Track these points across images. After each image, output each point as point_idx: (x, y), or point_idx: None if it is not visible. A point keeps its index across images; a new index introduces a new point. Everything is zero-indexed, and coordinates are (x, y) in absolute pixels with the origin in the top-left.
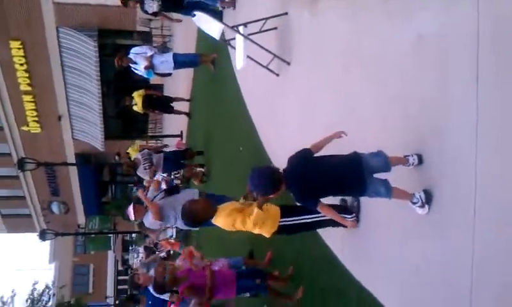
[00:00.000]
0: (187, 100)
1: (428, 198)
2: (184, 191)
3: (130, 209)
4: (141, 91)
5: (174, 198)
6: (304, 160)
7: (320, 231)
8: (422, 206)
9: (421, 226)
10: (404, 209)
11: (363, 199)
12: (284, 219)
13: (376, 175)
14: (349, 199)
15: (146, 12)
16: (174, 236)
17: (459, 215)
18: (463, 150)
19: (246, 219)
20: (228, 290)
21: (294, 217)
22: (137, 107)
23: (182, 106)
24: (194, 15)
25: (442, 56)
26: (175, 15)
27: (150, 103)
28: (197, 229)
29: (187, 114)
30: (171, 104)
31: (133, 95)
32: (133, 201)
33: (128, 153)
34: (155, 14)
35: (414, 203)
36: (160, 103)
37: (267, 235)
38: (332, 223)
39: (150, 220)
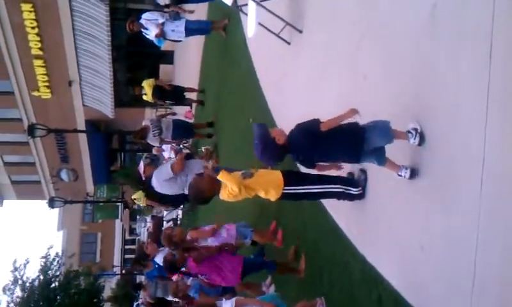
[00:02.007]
0: (200, 91)
1: (413, 174)
2: (195, 160)
3: (141, 165)
4: (151, 81)
5: (188, 163)
6: (310, 135)
7: (326, 204)
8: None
9: (427, 202)
10: (411, 185)
11: (370, 174)
12: (288, 188)
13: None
14: (356, 172)
15: (157, 4)
16: (181, 206)
17: (465, 190)
18: (473, 127)
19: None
20: (233, 276)
21: (297, 186)
22: (147, 97)
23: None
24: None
25: (456, 27)
26: (186, 6)
27: (161, 94)
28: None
29: (201, 102)
30: (184, 94)
31: (143, 85)
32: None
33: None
34: (167, 6)
35: (399, 176)
36: (171, 93)
37: (273, 198)
38: (337, 195)
39: (154, 183)
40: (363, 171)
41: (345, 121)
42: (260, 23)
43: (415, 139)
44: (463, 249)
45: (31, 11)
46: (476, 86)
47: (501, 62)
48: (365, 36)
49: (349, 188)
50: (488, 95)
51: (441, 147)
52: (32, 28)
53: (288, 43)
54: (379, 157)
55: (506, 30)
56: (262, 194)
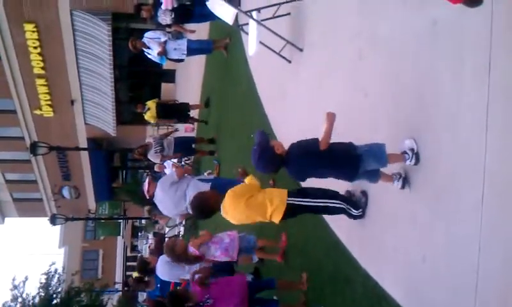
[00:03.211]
0: (204, 106)
1: (404, 183)
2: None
3: (146, 183)
4: (155, 100)
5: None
6: (307, 153)
7: (328, 220)
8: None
9: (428, 213)
10: (412, 200)
11: (371, 192)
12: (292, 198)
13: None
14: (356, 193)
15: (159, 24)
16: (183, 222)
17: (466, 203)
18: (472, 141)
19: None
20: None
21: (300, 198)
22: (151, 114)
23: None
24: (208, 0)
25: (456, 42)
26: (187, 26)
27: (165, 112)
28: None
29: (205, 122)
30: (189, 112)
31: (147, 103)
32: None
33: (145, 105)
34: (168, 26)
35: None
36: (175, 111)
37: (276, 215)
38: (338, 212)
39: (158, 198)
40: (364, 193)
41: (342, 141)
42: (261, 42)
43: (411, 160)
44: (465, 259)
45: (33, 31)
46: (476, 101)
47: (499, 77)
48: (365, 53)
49: (350, 208)
50: (488, 108)
51: (442, 158)
52: (35, 48)
53: (289, 61)
54: (372, 177)
55: (504, 45)
56: (267, 205)
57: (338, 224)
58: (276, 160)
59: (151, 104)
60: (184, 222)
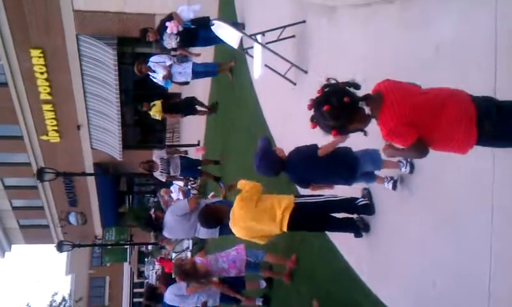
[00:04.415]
0: (209, 109)
1: (395, 185)
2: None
3: (152, 213)
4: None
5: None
6: (307, 158)
7: (337, 244)
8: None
9: (438, 237)
10: (420, 222)
11: (378, 211)
12: (299, 198)
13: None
14: (359, 221)
15: (164, 48)
16: (190, 247)
17: (476, 221)
18: (479, 164)
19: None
20: None
21: (307, 196)
22: (156, 110)
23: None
24: (213, 25)
25: (459, 67)
26: (192, 49)
27: (170, 106)
28: (216, 236)
29: (211, 109)
30: (195, 106)
31: (153, 103)
32: (154, 208)
33: (150, 104)
34: (174, 49)
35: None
36: (181, 105)
37: (286, 217)
38: (343, 228)
39: (169, 225)
40: (366, 189)
41: (340, 145)
42: (266, 65)
43: (406, 167)
44: (476, 281)
45: (40, 57)
46: None
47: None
48: (369, 75)
49: (358, 201)
50: None
51: (449, 180)
52: (41, 73)
53: (294, 84)
54: (369, 178)
55: (509, 68)
56: (276, 208)
57: (347, 247)
58: (277, 164)
59: (156, 101)
60: (190, 247)
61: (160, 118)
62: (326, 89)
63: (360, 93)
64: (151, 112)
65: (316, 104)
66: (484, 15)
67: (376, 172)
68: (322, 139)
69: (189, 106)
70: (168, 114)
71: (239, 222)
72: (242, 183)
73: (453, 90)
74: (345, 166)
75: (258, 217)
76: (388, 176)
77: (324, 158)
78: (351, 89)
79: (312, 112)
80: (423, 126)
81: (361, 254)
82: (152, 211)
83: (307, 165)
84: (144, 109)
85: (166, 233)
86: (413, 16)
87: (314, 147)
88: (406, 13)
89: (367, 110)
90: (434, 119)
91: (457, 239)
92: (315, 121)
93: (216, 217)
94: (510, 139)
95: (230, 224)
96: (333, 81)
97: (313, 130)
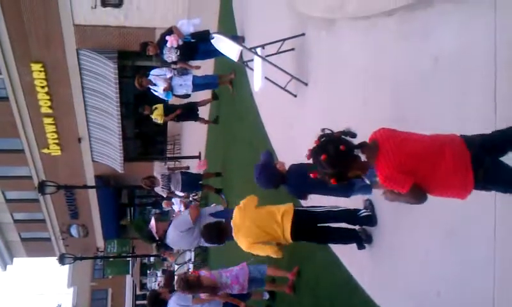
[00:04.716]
0: (213, 122)
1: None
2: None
3: (153, 223)
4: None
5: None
6: (306, 171)
7: (339, 255)
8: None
9: (441, 247)
10: (424, 232)
11: (382, 222)
12: (298, 207)
13: None
14: (361, 232)
15: (165, 62)
16: (192, 259)
17: (479, 236)
18: None
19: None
20: None
21: (306, 207)
22: (158, 113)
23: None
24: (213, 38)
25: (458, 79)
26: (192, 62)
27: (172, 110)
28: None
29: (214, 121)
30: (197, 112)
31: (155, 106)
32: (154, 218)
33: (152, 108)
34: (174, 63)
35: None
36: (183, 110)
37: (288, 220)
38: (345, 240)
39: (171, 237)
40: (369, 201)
41: None
42: (266, 77)
43: None
44: (480, 290)
45: (40, 71)
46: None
47: (506, 111)
48: (370, 88)
49: (359, 212)
50: None
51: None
52: (42, 87)
53: (295, 96)
54: (367, 190)
55: (509, 79)
56: (275, 212)
57: (349, 259)
58: (276, 177)
59: (158, 105)
60: (193, 259)
61: (161, 122)
62: (322, 139)
63: (361, 104)
64: (152, 116)
65: (314, 154)
66: (483, 26)
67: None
68: None
69: (191, 111)
70: (169, 116)
71: (241, 229)
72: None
73: (448, 136)
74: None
75: (258, 217)
76: None
77: None
78: (347, 138)
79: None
80: (420, 174)
81: (363, 266)
82: (152, 221)
83: (306, 178)
84: (145, 112)
85: (169, 244)
86: (412, 29)
87: None
88: (405, 26)
89: (363, 157)
90: (432, 168)
91: (461, 249)
92: (315, 170)
93: (219, 234)
94: (503, 185)
95: (233, 234)
96: (328, 131)
97: (313, 140)
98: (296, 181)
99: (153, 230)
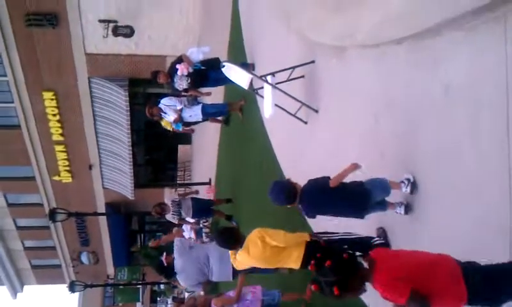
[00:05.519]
0: (225, 123)
1: (406, 210)
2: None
3: (163, 259)
4: None
5: (209, 245)
6: (321, 189)
7: None
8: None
9: None
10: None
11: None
12: (320, 232)
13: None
14: (376, 231)
15: (176, 90)
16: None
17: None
18: (497, 201)
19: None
20: None
21: (328, 234)
22: (166, 121)
23: None
24: (223, 66)
25: (470, 107)
26: (203, 89)
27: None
28: (230, 279)
29: (225, 121)
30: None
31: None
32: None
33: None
34: (185, 90)
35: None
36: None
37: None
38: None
39: (180, 267)
40: (382, 229)
41: (350, 177)
42: (276, 104)
43: (407, 187)
44: None
45: (52, 99)
46: (497, 161)
47: None
48: (380, 115)
49: (372, 237)
50: (510, 169)
51: (467, 225)
52: (54, 115)
53: (305, 123)
54: (383, 206)
55: None
56: (285, 260)
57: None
58: (289, 189)
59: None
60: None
61: (171, 129)
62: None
63: (372, 131)
64: (162, 123)
65: (318, 262)
66: (494, 55)
67: (387, 198)
68: (334, 173)
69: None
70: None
71: (250, 260)
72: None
73: (441, 255)
74: (358, 198)
75: (270, 260)
76: (398, 201)
77: (336, 191)
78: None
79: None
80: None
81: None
82: (164, 256)
83: (320, 197)
84: (155, 118)
85: (181, 281)
86: (422, 57)
87: (326, 179)
88: (414, 54)
89: (366, 265)
90: (427, 281)
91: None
92: (317, 282)
93: (233, 239)
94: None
95: (238, 253)
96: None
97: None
98: (310, 200)
99: (163, 259)
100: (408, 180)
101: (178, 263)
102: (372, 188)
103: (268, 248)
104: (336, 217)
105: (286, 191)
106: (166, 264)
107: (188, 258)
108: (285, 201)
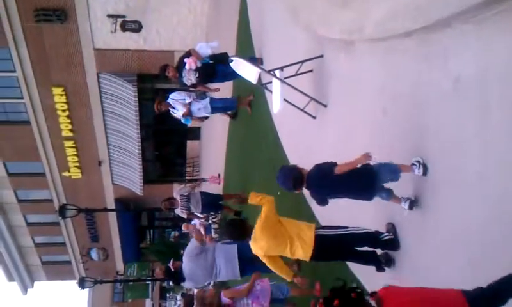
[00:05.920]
0: (231, 116)
1: (411, 205)
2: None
3: (170, 265)
4: None
5: (220, 245)
6: (325, 175)
7: (363, 281)
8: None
9: (466, 276)
10: (446, 259)
11: (404, 253)
12: (321, 230)
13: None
14: (382, 255)
15: (184, 85)
16: (212, 283)
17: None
18: (504, 199)
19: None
20: None
21: (327, 229)
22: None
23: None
24: (232, 61)
25: (479, 99)
26: (211, 85)
27: None
28: (238, 277)
29: (233, 115)
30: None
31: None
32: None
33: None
34: (193, 85)
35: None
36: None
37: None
38: (365, 261)
39: (188, 271)
40: (391, 224)
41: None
42: (285, 99)
43: (419, 169)
44: None
45: (62, 95)
46: (506, 154)
47: None
48: (389, 109)
49: (380, 234)
50: None
51: (475, 216)
52: (63, 111)
53: (314, 117)
54: (388, 192)
55: None
56: (294, 242)
57: (373, 285)
58: (296, 172)
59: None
60: (212, 283)
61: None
62: (334, 291)
63: (381, 125)
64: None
65: (327, 302)
66: (504, 48)
67: (393, 191)
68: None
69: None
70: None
71: (260, 242)
72: (253, 197)
73: (448, 291)
74: (364, 182)
75: (277, 242)
76: (404, 196)
77: (341, 175)
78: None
79: None
80: None
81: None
82: (171, 262)
83: (328, 181)
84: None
85: (188, 283)
86: (431, 49)
87: (331, 165)
88: (423, 46)
89: (373, 304)
90: None
91: (487, 276)
92: None
93: (241, 230)
94: None
95: (250, 242)
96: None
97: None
98: (316, 183)
99: (170, 264)
100: (419, 162)
101: (186, 269)
102: (380, 169)
103: (279, 221)
104: (345, 210)
105: (293, 176)
106: (173, 269)
107: (196, 265)
108: (292, 187)
